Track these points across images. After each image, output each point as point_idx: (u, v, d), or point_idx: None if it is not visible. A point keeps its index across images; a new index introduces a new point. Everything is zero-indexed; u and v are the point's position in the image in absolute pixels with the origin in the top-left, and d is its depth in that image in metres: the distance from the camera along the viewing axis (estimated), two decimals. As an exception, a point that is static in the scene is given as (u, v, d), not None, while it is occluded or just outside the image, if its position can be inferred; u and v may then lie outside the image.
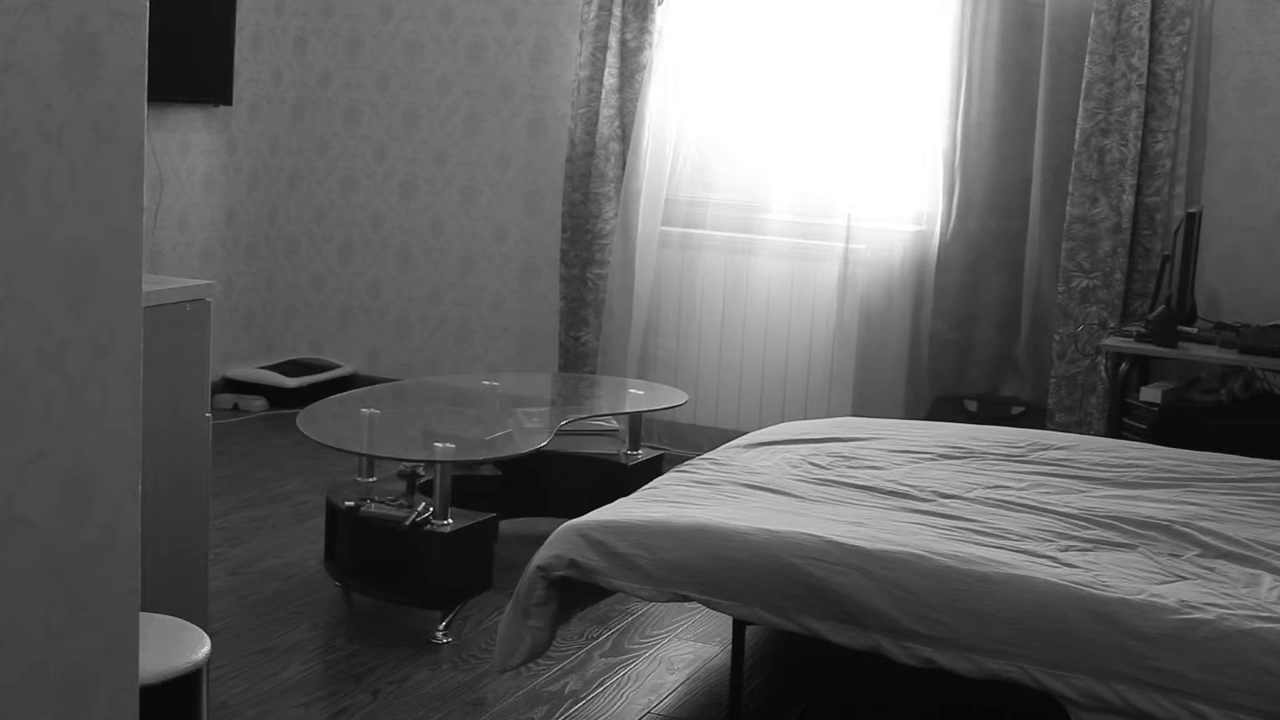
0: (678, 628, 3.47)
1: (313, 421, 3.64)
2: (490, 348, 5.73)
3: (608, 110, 5.12)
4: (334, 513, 3.54)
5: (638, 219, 5.09)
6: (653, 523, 2.69)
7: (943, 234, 4.81)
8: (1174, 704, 2.20)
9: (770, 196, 5.06)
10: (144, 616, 1.79)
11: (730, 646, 2.93)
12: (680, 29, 5.12)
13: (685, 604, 3.09)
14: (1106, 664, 2.26)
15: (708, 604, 2.60)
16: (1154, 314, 4.09)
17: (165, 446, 2.73)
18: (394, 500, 3.50)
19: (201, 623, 2.82)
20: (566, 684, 3.09)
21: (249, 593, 3.58)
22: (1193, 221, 4.15)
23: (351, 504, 3.47)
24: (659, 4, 5.07)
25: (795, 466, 3.17)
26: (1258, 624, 2.23)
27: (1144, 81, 4.41)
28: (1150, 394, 4.15)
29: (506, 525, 3.83)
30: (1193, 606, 2.29)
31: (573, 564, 2.65)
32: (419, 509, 3.41)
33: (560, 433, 3.76)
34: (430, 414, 4.07)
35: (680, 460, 3.40)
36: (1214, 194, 4.51)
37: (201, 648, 2.27)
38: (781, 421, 4.18)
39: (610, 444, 4.21)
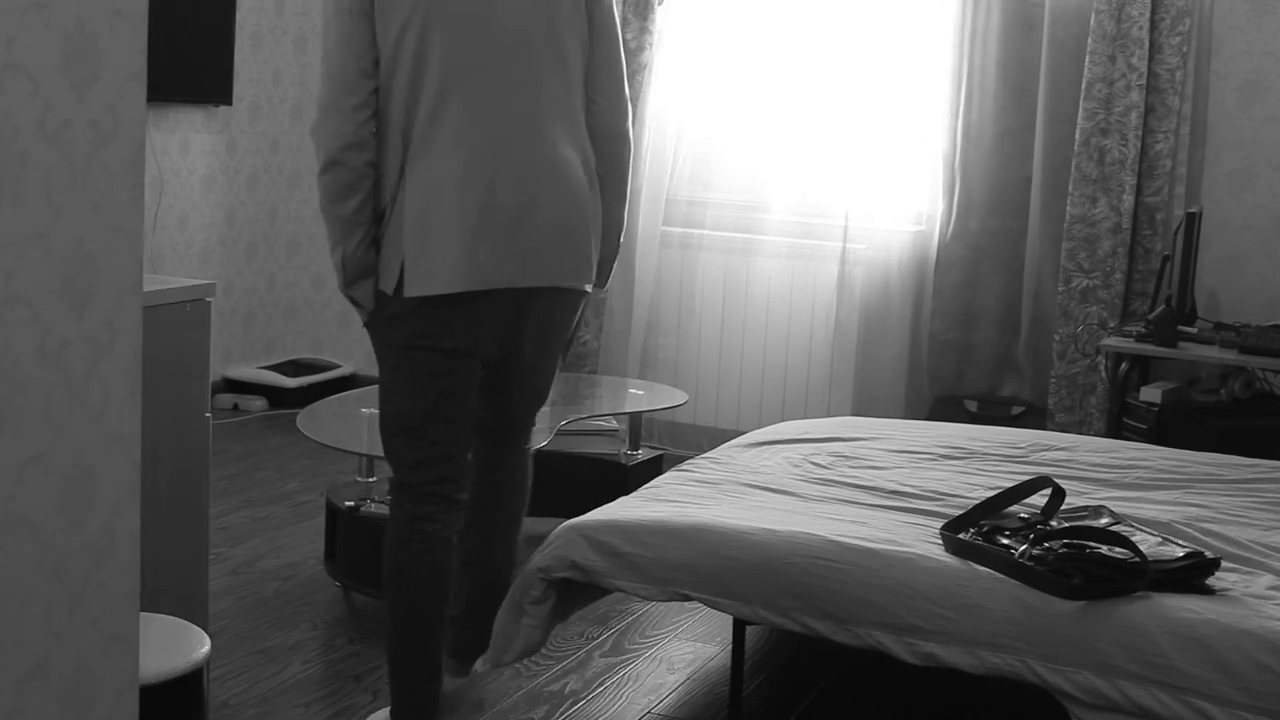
0: (678, 628, 3.47)
1: (313, 421, 3.64)
2: (490, 348, 5.72)
3: (608, 110, 5.11)
4: (334, 513, 3.54)
5: (638, 219, 5.09)
6: (653, 522, 2.69)
7: (943, 234, 4.81)
8: (1176, 700, 2.21)
9: (770, 196, 5.06)
10: (144, 616, 1.79)
11: (730, 646, 2.92)
12: (680, 29, 5.11)
13: (685, 604, 3.09)
14: (1109, 660, 2.26)
15: (708, 603, 2.60)
16: (1154, 314, 4.09)
17: (165, 446, 2.73)
18: (394, 500, 3.50)
19: (201, 623, 2.82)
20: (566, 684, 3.09)
21: (249, 593, 3.58)
22: (1193, 221, 4.15)
23: (351, 504, 3.47)
24: (659, 4, 5.07)
25: (796, 466, 3.17)
26: (1258, 623, 2.23)
27: (1144, 81, 4.41)
28: (1150, 394, 4.15)
29: (506, 525, 3.83)
30: (1194, 606, 2.29)
31: (573, 565, 2.65)
32: (419, 509, 3.40)
33: (560, 433, 3.76)
34: (430, 414, 4.07)
35: (680, 460, 3.40)
36: (1214, 194, 4.51)
37: (201, 648, 2.27)
38: (781, 421, 4.18)
39: (610, 444, 4.20)
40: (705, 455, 3.30)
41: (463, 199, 2.36)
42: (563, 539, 2.70)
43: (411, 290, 2.37)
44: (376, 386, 2.62)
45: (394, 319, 2.45)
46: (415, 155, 2.36)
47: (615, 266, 2.80)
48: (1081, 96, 4.50)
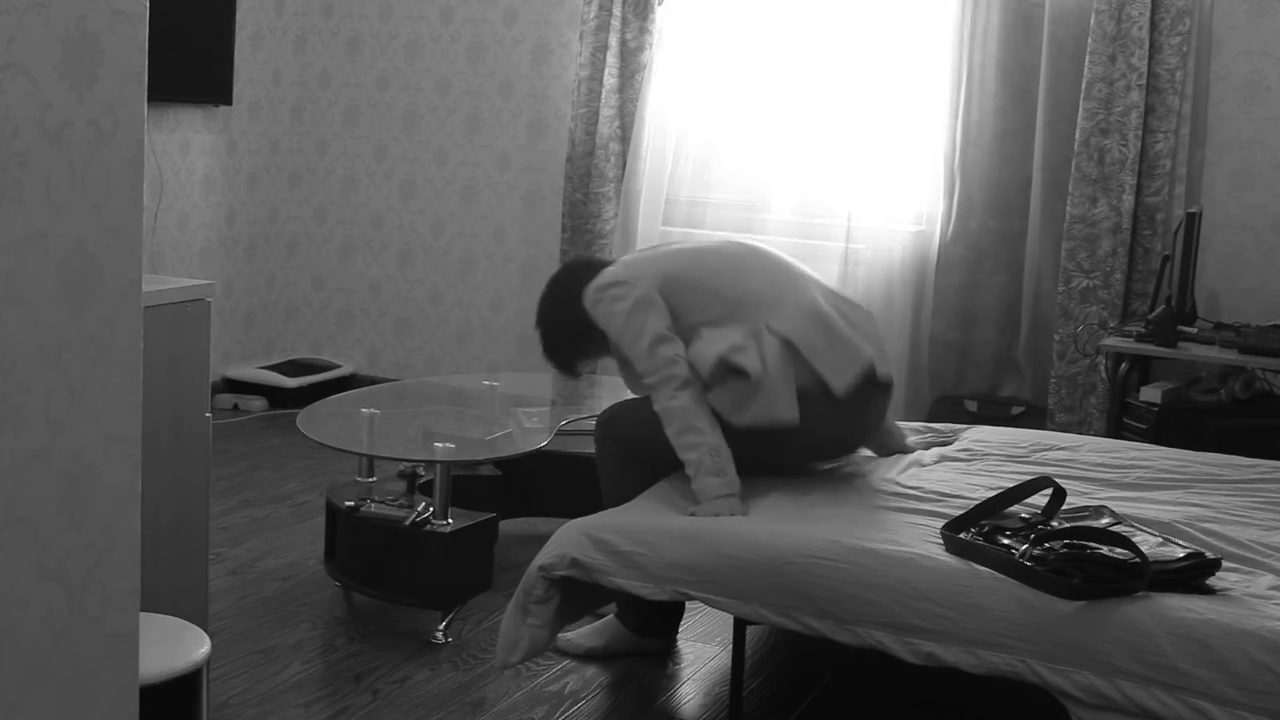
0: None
1: (313, 421, 3.64)
2: (490, 348, 5.72)
3: (608, 110, 5.12)
4: (334, 513, 3.54)
5: (638, 219, 5.09)
6: (655, 521, 2.69)
7: (943, 234, 4.81)
8: (1176, 700, 2.21)
9: (770, 196, 5.05)
10: (144, 616, 1.79)
11: (731, 646, 2.92)
12: (680, 29, 5.11)
13: (686, 603, 3.09)
14: (1109, 660, 2.26)
15: (709, 602, 2.60)
16: (1154, 314, 4.09)
17: (165, 446, 2.73)
18: (394, 500, 3.50)
19: (201, 623, 2.82)
20: (566, 684, 3.09)
21: (249, 593, 3.58)
22: (1193, 221, 4.15)
23: (351, 504, 3.47)
24: (659, 4, 5.07)
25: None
26: (1259, 623, 2.23)
27: (1144, 81, 4.41)
28: (1150, 394, 4.15)
29: (506, 525, 3.83)
30: (1194, 606, 2.29)
31: (575, 563, 2.65)
32: (419, 509, 3.40)
33: (560, 433, 3.76)
34: (430, 414, 4.07)
35: (680, 460, 3.40)
36: (1214, 194, 4.51)
37: (201, 648, 2.27)
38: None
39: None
40: (705, 455, 3.30)
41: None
42: (564, 537, 2.70)
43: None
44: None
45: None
46: (770, 322, 3.03)
47: None
48: (1081, 96, 4.50)
